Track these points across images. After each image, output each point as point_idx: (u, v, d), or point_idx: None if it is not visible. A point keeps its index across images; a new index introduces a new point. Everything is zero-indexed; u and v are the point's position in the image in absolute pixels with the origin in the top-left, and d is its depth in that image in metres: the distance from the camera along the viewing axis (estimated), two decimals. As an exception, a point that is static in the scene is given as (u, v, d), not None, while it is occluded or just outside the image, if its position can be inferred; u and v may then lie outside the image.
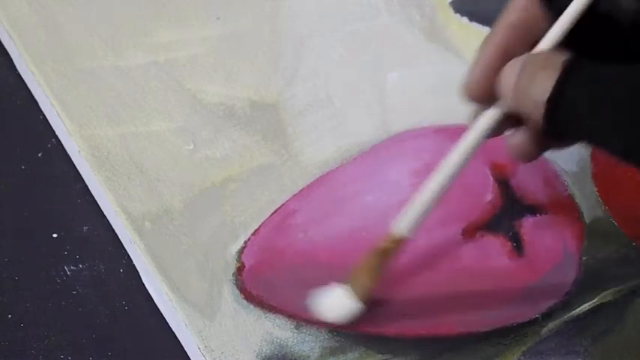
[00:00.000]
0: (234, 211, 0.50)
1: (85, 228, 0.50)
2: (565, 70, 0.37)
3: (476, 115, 0.43)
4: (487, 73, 0.42)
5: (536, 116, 0.38)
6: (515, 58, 0.40)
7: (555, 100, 0.37)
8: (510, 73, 0.40)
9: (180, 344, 0.46)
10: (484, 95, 0.42)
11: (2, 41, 0.57)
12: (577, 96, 0.37)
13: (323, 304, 0.46)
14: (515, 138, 0.42)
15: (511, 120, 0.42)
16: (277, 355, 0.46)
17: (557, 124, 0.38)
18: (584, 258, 0.49)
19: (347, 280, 0.46)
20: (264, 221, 0.50)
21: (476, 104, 0.43)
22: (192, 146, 0.53)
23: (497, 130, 0.43)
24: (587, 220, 0.51)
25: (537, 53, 0.40)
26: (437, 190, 0.44)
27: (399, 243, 0.45)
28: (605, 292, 0.48)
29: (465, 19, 0.59)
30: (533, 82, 0.38)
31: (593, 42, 0.41)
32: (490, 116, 0.42)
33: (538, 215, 0.51)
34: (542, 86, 0.38)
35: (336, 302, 0.46)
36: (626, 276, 0.49)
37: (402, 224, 0.44)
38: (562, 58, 0.38)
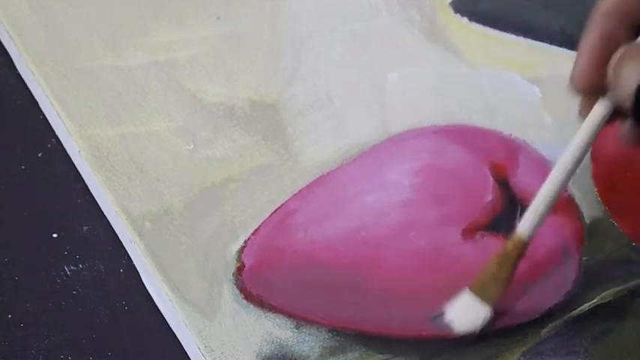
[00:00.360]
0: (234, 211, 0.50)
1: (85, 228, 0.50)
2: None
3: (584, 107, 0.43)
4: (591, 63, 0.42)
5: (627, 105, 0.38)
6: (626, 45, 0.40)
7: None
8: (614, 58, 0.40)
9: (180, 344, 0.46)
10: (592, 86, 0.42)
11: (2, 41, 0.57)
12: None
13: (453, 316, 0.46)
14: (627, 123, 0.42)
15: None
16: (277, 354, 0.46)
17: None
18: (584, 258, 0.49)
19: (471, 288, 0.46)
20: (264, 221, 0.50)
21: (584, 95, 0.43)
22: (192, 146, 0.53)
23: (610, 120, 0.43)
24: (587, 220, 0.51)
25: (633, 43, 0.40)
26: (557, 189, 0.44)
27: (523, 246, 0.45)
28: (605, 292, 0.48)
29: (465, 19, 0.59)
30: (624, 72, 0.38)
31: None
32: (601, 108, 0.42)
33: (538, 215, 0.51)
34: (632, 75, 0.38)
35: (469, 312, 0.46)
36: (626, 276, 0.49)
37: (524, 227, 0.45)
38: None
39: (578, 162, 0.44)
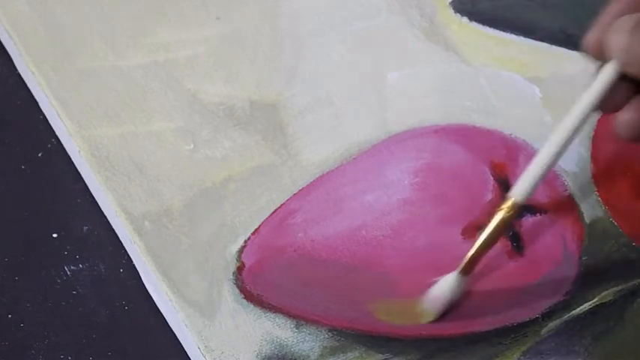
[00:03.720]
0: (234, 211, 0.50)
1: (85, 228, 0.50)
2: None
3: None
4: (607, 26, 0.41)
5: None
6: (627, 15, 0.40)
7: None
8: (621, 29, 0.39)
9: (180, 344, 0.46)
10: (600, 49, 0.42)
11: (2, 41, 0.57)
12: None
13: (437, 285, 0.46)
14: (624, 114, 0.42)
15: (624, 94, 0.42)
16: (277, 354, 0.46)
17: None
18: (584, 258, 0.49)
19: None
20: (264, 221, 0.50)
21: (595, 60, 0.42)
22: (192, 146, 0.53)
23: (610, 103, 0.42)
24: (587, 220, 0.51)
25: None
26: (554, 155, 0.43)
27: (515, 209, 0.45)
28: (605, 292, 0.48)
29: (465, 19, 0.59)
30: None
31: None
32: (604, 76, 0.42)
33: (538, 215, 0.51)
34: None
35: (447, 280, 0.46)
36: (626, 276, 0.49)
37: (518, 190, 0.44)
38: None
39: (580, 126, 0.43)
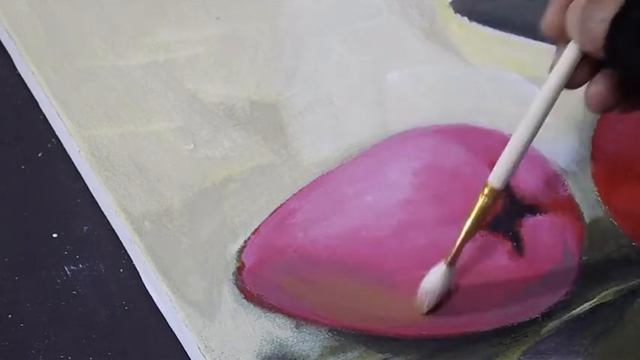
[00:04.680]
0: (234, 211, 0.50)
1: (85, 228, 0.50)
2: None
3: (556, 59, 0.43)
4: (564, 8, 0.42)
5: (598, 44, 0.39)
6: None
7: (617, 22, 0.38)
8: (576, 7, 0.40)
9: (180, 344, 0.46)
10: (559, 31, 0.42)
11: (2, 41, 0.57)
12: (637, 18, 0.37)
13: (427, 278, 0.46)
14: (591, 87, 0.43)
15: (588, 70, 0.42)
16: (277, 354, 0.46)
17: (617, 50, 0.39)
18: (584, 258, 0.49)
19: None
20: (264, 221, 0.50)
21: (554, 41, 0.43)
22: (192, 146, 0.53)
23: (575, 79, 0.43)
24: (587, 220, 0.51)
25: None
26: (526, 138, 0.44)
27: (493, 196, 0.45)
28: (605, 292, 0.48)
29: (465, 19, 0.59)
30: (595, 10, 0.39)
31: None
32: (566, 57, 0.42)
33: (538, 215, 0.51)
34: (604, 11, 0.38)
35: (431, 273, 0.46)
36: (626, 276, 0.49)
37: (495, 176, 0.44)
38: None
39: (549, 107, 0.43)
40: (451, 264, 0.46)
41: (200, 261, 0.48)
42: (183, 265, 0.48)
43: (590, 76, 0.43)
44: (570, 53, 0.42)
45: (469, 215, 0.46)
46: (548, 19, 0.43)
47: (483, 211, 0.46)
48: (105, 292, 0.48)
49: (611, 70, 0.42)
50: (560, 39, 0.43)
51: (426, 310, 0.46)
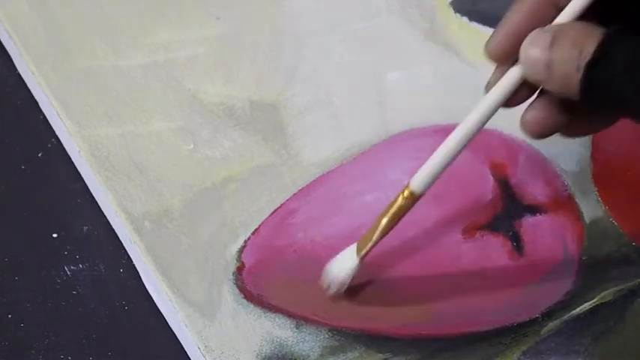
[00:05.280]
0: (234, 211, 0.50)
1: (85, 228, 0.50)
2: (605, 39, 0.37)
3: (495, 79, 0.43)
4: (512, 35, 0.41)
5: (571, 87, 0.38)
6: (539, 29, 0.40)
7: (594, 65, 0.37)
8: (538, 42, 0.39)
9: (180, 344, 0.46)
10: (505, 57, 0.42)
11: (2, 41, 0.57)
12: (617, 60, 0.37)
13: (333, 266, 0.46)
14: (529, 113, 0.42)
15: (527, 91, 0.42)
16: (277, 354, 0.46)
17: (594, 91, 0.38)
18: (584, 258, 0.49)
19: (358, 242, 0.46)
20: (264, 221, 0.50)
21: (497, 64, 0.43)
22: (192, 146, 0.53)
23: (514, 99, 0.42)
24: (587, 220, 0.51)
25: (569, 26, 0.40)
26: (453, 150, 0.43)
27: (411, 199, 0.44)
28: (605, 292, 0.48)
29: (465, 19, 0.59)
30: (568, 54, 0.38)
31: (614, 13, 0.41)
32: (510, 78, 0.42)
33: (538, 215, 0.51)
34: (579, 56, 0.38)
35: (340, 259, 0.46)
36: (626, 276, 0.49)
37: (416, 181, 0.44)
38: (599, 29, 0.38)
39: (483, 123, 0.43)
40: (362, 259, 0.46)
41: (200, 261, 0.48)
42: (183, 265, 0.48)
43: (527, 97, 0.42)
44: (514, 75, 0.42)
45: (385, 213, 0.45)
46: (495, 47, 0.42)
47: (401, 211, 0.45)
48: (105, 292, 0.48)
49: (550, 96, 0.42)
50: (505, 62, 0.42)
51: (332, 295, 0.46)
